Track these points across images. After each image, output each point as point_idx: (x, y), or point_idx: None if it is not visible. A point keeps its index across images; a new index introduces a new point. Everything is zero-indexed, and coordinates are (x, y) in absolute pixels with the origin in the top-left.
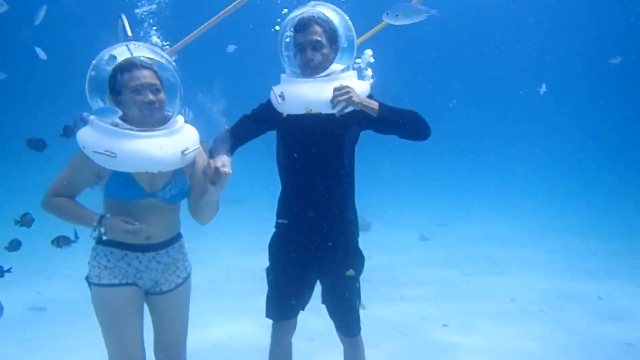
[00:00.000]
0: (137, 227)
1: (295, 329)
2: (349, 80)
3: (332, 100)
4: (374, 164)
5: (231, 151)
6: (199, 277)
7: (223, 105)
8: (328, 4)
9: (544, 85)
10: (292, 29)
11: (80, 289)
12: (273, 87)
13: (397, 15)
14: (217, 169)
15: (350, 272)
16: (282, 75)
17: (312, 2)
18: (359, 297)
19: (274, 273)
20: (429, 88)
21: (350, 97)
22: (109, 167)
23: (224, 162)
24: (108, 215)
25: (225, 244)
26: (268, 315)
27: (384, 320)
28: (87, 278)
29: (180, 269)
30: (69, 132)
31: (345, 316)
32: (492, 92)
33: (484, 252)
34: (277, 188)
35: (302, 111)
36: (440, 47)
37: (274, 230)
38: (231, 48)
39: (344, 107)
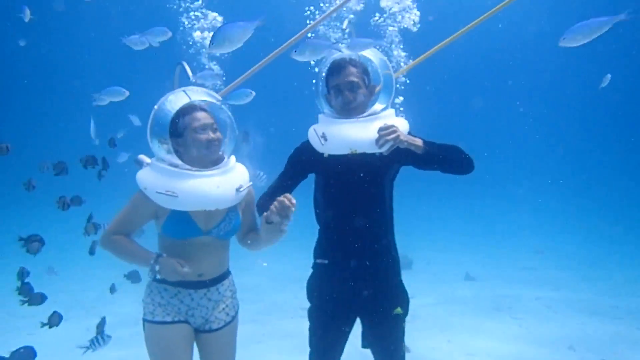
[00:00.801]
0: (187, 272)
1: None
2: (390, 119)
3: (378, 140)
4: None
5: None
6: (242, 313)
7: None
8: (367, 42)
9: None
10: (326, 72)
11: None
12: (313, 127)
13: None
14: (282, 203)
15: (398, 310)
16: (321, 116)
17: (343, 45)
18: (403, 337)
19: (316, 314)
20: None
21: (398, 137)
22: (170, 207)
23: (286, 196)
24: (164, 255)
25: (266, 280)
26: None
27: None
28: (142, 317)
29: (229, 306)
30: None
31: (391, 358)
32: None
33: (535, 294)
34: (311, 225)
35: (346, 151)
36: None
37: (311, 271)
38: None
39: (392, 147)
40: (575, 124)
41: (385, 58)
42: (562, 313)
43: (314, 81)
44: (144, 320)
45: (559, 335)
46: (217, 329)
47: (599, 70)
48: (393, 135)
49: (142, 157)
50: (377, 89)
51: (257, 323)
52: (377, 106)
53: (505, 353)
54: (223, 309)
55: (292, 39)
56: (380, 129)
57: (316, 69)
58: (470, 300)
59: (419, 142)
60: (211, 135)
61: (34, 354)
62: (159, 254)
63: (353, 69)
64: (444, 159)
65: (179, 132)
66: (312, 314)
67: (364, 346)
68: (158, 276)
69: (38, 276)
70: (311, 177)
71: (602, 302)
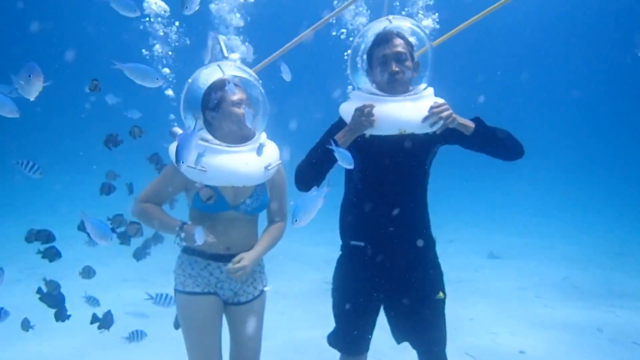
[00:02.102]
0: (211, 240)
1: None
2: (434, 98)
3: (429, 118)
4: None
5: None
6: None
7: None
8: (406, 17)
9: None
10: (369, 43)
11: None
12: (346, 104)
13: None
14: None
15: (440, 295)
16: (355, 92)
17: (390, 16)
18: (445, 322)
19: (347, 300)
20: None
21: (451, 114)
22: (199, 180)
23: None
24: (189, 223)
25: (289, 255)
26: (338, 348)
27: (454, 342)
28: (174, 287)
29: (257, 280)
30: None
31: (437, 346)
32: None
33: (562, 273)
34: (332, 205)
35: (395, 132)
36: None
37: (341, 253)
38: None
39: (444, 126)
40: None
41: (426, 32)
42: (590, 293)
43: (347, 54)
44: (175, 290)
45: (586, 317)
46: (245, 302)
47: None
48: (446, 113)
49: (176, 129)
50: (417, 55)
51: (280, 295)
52: (421, 85)
53: (529, 332)
54: (252, 282)
55: (324, 19)
56: (433, 107)
57: (350, 39)
58: (494, 279)
59: (469, 122)
60: (243, 110)
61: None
62: (184, 222)
63: (400, 40)
64: (495, 141)
65: (213, 105)
66: (342, 299)
67: (399, 341)
68: (182, 243)
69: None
70: None
71: (631, 284)
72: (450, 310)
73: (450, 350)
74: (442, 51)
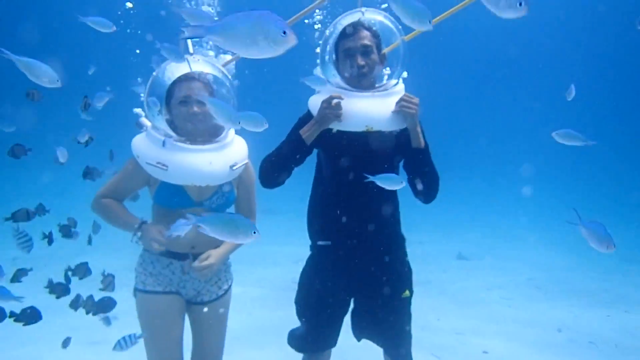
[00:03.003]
0: (163, 245)
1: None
2: (404, 95)
3: (395, 107)
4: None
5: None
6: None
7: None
8: (377, 9)
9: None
10: (338, 36)
11: None
12: (318, 97)
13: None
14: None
15: (406, 293)
16: (326, 86)
17: (362, 8)
18: (410, 318)
19: (314, 298)
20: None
21: (416, 113)
22: (160, 179)
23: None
24: (149, 222)
25: (258, 254)
26: (300, 349)
27: (420, 342)
28: (134, 285)
29: (222, 280)
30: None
31: (402, 343)
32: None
33: (527, 274)
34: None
35: (361, 128)
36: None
37: (310, 253)
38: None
39: (407, 122)
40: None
41: (398, 25)
42: (552, 294)
43: (319, 47)
44: (135, 289)
45: (548, 317)
46: (208, 302)
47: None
48: (413, 110)
49: (143, 119)
50: (386, 50)
51: (246, 295)
52: (391, 81)
53: (493, 332)
54: (215, 282)
55: (310, 7)
56: (402, 99)
57: (326, 32)
58: (461, 280)
59: (420, 135)
60: (195, 108)
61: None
62: (143, 221)
63: (367, 33)
64: (430, 172)
65: (168, 101)
66: (308, 300)
67: (359, 338)
68: (139, 243)
69: None
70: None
71: (592, 285)
72: (418, 311)
73: (416, 350)
74: (420, 45)
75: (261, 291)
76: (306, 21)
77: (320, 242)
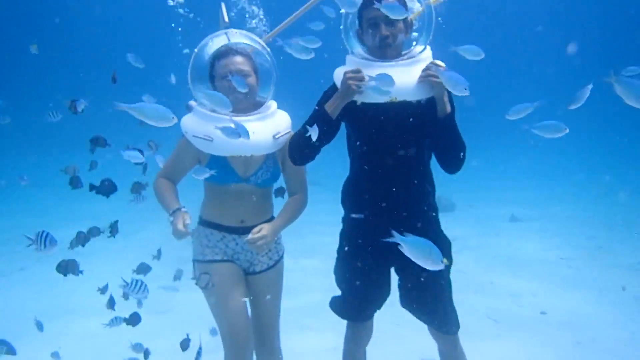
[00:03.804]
0: (181, 230)
1: (372, 330)
2: (431, 61)
3: (420, 77)
4: None
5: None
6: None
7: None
8: None
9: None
10: (361, 4)
11: None
12: (342, 69)
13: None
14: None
15: (445, 260)
16: (349, 57)
17: None
18: (451, 288)
19: (351, 272)
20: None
21: (441, 82)
22: (206, 151)
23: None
24: (184, 209)
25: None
26: (341, 315)
27: (474, 306)
28: (192, 258)
29: (272, 251)
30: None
31: (445, 310)
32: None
33: (587, 233)
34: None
35: (385, 99)
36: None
37: (342, 226)
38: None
39: (434, 89)
40: None
41: None
42: (615, 253)
43: (342, 15)
44: (194, 260)
45: (611, 276)
46: (260, 272)
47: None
48: (439, 79)
49: (192, 102)
50: (413, 17)
51: (299, 264)
52: (417, 48)
53: (551, 293)
54: (266, 253)
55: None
56: (428, 67)
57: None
58: (515, 242)
59: (448, 104)
60: (238, 79)
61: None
62: (179, 207)
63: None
64: (455, 137)
65: (212, 76)
66: (345, 270)
67: (403, 305)
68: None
69: None
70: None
71: None
72: (470, 275)
73: (471, 313)
74: (446, 10)
75: (311, 262)
76: None
77: (353, 215)
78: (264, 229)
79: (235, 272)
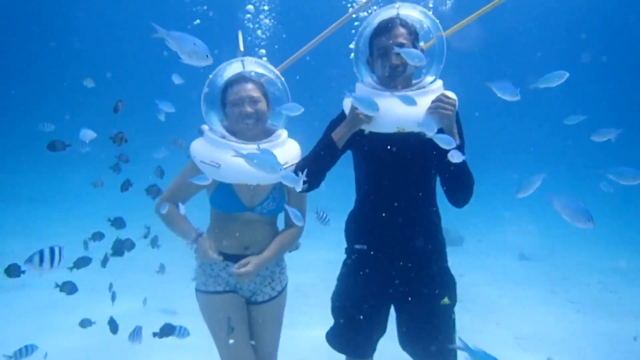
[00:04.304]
0: (215, 257)
1: None
2: (442, 92)
3: (429, 109)
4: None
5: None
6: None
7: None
8: (414, 5)
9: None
10: (372, 33)
11: None
12: (348, 98)
13: None
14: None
15: (446, 300)
16: (359, 85)
17: (397, 3)
18: (455, 330)
19: (352, 303)
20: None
21: (451, 114)
22: (212, 177)
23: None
24: (204, 235)
25: (313, 252)
26: (342, 350)
27: (477, 345)
28: (195, 287)
29: (275, 281)
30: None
31: (442, 354)
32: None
33: (597, 278)
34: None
35: (392, 130)
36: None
37: (345, 257)
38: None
39: (443, 121)
40: None
41: (436, 20)
42: (627, 300)
43: (352, 44)
44: (197, 290)
45: (622, 325)
46: (261, 302)
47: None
48: (449, 112)
49: (204, 126)
50: (425, 47)
51: (301, 294)
52: (427, 78)
53: (559, 339)
54: (269, 283)
55: (342, 19)
56: (438, 99)
57: (358, 28)
58: (523, 281)
59: (456, 136)
60: (247, 109)
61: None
62: (200, 233)
63: (403, 30)
64: (464, 172)
65: (224, 103)
66: (345, 303)
67: (403, 346)
68: (195, 254)
69: None
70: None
71: None
72: (476, 313)
73: None
74: (456, 42)
75: (316, 290)
76: (352, 31)
77: (356, 246)
78: (251, 264)
79: (238, 304)
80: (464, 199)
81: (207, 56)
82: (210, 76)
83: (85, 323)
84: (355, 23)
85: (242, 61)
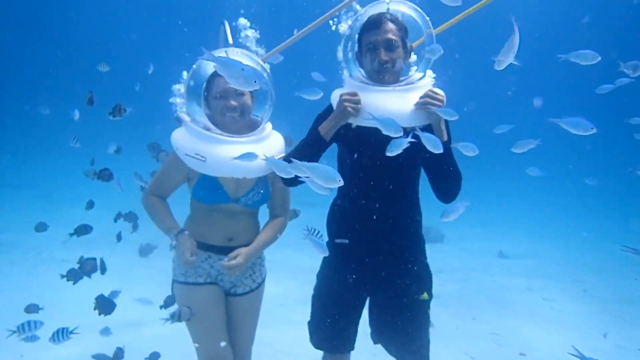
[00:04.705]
0: (190, 262)
1: None
2: (430, 89)
3: (417, 104)
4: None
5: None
6: (268, 279)
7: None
8: (405, 1)
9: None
10: (361, 28)
11: None
12: (337, 91)
13: None
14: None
15: (424, 295)
16: (347, 79)
17: None
18: (429, 324)
19: (332, 297)
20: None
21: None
22: (198, 171)
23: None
24: (186, 233)
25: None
26: (320, 346)
27: (453, 341)
28: (172, 278)
29: (256, 273)
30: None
31: (418, 348)
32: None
33: (573, 276)
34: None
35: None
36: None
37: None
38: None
39: (430, 117)
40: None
41: (426, 17)
42: (600, 298)
43: (342, 38)
44: (175, 281)
45: (594, 322)
46: (241, 294)
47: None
48: (435, 104)
49: (182, 115)
50: (414, 45)
51: (281, 286)
52: (415, 74)
53: (532, 334)
54: (250, 275)
55: (335, 8)
56: (426, 95)
57: (347, 23)
58: (501, 278)
59: (444, 131)
60: (231, 102)
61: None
62: (181, 230)
63: (392, 26)
64: (450, 167)
65: (207, 95)
66: (324, 297)
67: (375, 338)
68: (173, 250)
69: None
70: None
71: None
72: (453, 309)
73: (449, 349)
74: (447, 39)
75: (295, 283)
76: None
77: (337, 240)
78: (241, 256)
79: (218, 298)
80: (452, 194)
81: (255, 82)
82: (194, 66)
83: (31, 308)
84: (350, 13)
85: (226, 51)
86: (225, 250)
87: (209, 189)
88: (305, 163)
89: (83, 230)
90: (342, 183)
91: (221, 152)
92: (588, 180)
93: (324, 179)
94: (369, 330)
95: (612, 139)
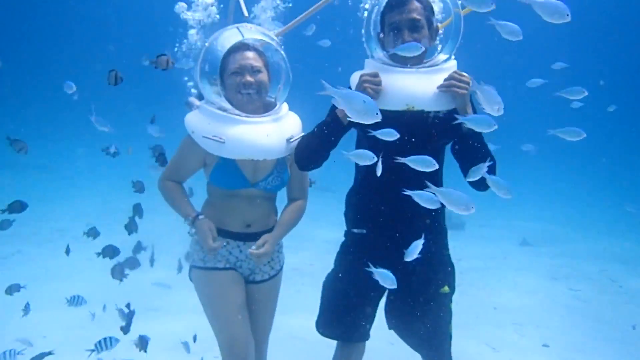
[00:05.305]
0: (215, 246)
1: (364, 352)
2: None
3: (442, 87)
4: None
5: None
6: (288, 262)
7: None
8: None
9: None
10: (384, 7)
11: None
12: (356, 73)
13: None
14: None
15: (445, 289)
16: (368, 61)
17: None
18: (451, 318)
19: (348, 287)
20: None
21: (466, 93)
22: (217, 154)
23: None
24: (202, 217)
25: (315, 229)
26: (334, 336)
27: (473, 330)
28: (190, 264)
29: (274, 260)
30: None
31: (439, 342)
32: None
33: (599, 266)
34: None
35: (401, 107)
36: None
37: (343, 239)
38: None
39: (456, 100)
40: None
41: None
42: (628, 288)
43: (364, 17)
44: (193, 267)
45: (621, 313)
46: (260, 281)
47: None
48: (463, 90)
49: (192, 99)
50: (442, 26)
51: (298, 272)
52: (440, 56)
53: (556, 325)
54: (269, 262)
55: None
56: (451, 77)
57: (371, 2)
58: (524, 267)
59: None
60: (247, 78)
61: None
62: (198, 214)
63: (417, 5)
64: (483, 154)
65: (222, 72)
66: (337, 285)
67: (392, 326)
68: (192, 235)
69: None
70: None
71: None
72: (473, 298)
73: (469, 339)
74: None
75: (311, 269)
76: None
77: (355, 230)
78: (268, 243)
79: (238, 281)
80: (485, 182)
81: (376, 114)
82: (207, 44)
83: (12, 289)
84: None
85: (238, 28)
86: (243, 237)
87: (228, 174)
88: (339, 91)
89: (18, 206)
90: (379, 118)
91: (241, 132)
92: (628, 207)
93: (359, 111)
94: (384, 317)
95: None
